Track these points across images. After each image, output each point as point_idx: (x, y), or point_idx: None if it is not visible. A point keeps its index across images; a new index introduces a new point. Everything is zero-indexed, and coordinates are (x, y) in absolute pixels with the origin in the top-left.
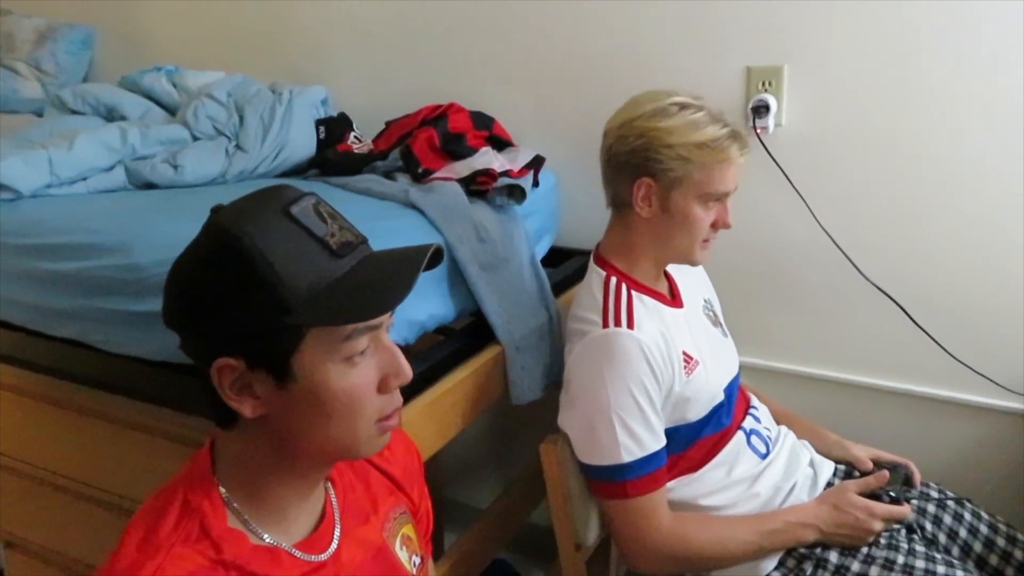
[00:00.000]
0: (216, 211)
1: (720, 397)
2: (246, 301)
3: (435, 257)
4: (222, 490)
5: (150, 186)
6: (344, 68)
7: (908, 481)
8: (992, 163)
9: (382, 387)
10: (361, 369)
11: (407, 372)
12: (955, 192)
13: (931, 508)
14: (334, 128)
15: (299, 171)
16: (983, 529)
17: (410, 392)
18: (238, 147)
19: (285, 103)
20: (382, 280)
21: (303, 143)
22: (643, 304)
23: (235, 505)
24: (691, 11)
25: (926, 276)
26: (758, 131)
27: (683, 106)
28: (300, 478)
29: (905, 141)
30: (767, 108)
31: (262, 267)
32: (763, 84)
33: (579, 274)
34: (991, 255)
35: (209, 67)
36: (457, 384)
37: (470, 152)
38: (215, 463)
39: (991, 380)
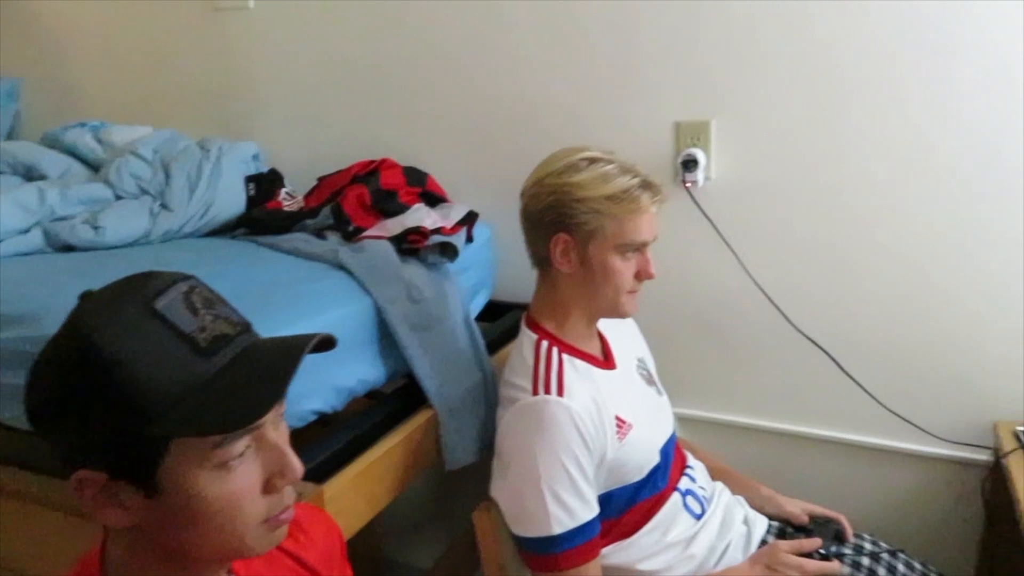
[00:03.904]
0: (83, 299)
1: (656, 459)
2: (101, 409)
3: (325, 344)
4: None
5: (69, 248)
6: (277, 122)
7: (839, 536)
8: (917, 211)
9: (268, 488)
10: (239, 473)
11: (296, 471)
12: (881, 241)
13: (865, 561)
14: (264, 184)
15: (228, 229)
16: None
17: (338, 463)
18: (163, 206)
19: (213, 160)
20: (254, 382)
21: (231, 201)
22: (574, 368)
23: None
24: (622, 67)
25: (853, 325)
26: (687, 184)
27: (592, 160)
28: None
29: (831, 192)
30: (695, 162)
31: (117, 374)
32: (692, 138)
33: (516, 329)
34: (918, 304)
35: (140, 121)
36: (388, 451)
37: (402, 209)
38: (103, 566)
39: (919, 427)
